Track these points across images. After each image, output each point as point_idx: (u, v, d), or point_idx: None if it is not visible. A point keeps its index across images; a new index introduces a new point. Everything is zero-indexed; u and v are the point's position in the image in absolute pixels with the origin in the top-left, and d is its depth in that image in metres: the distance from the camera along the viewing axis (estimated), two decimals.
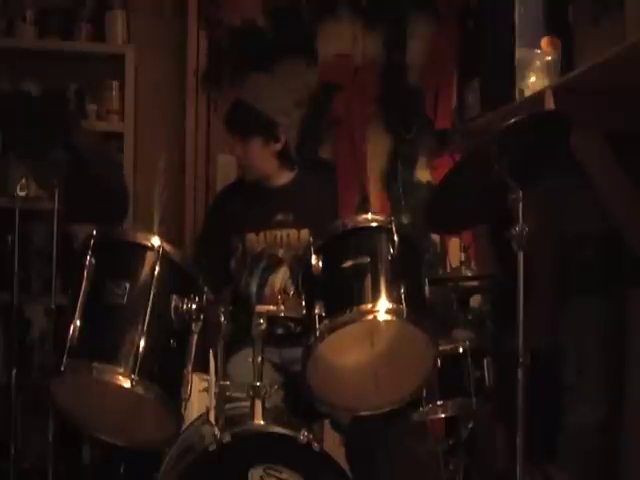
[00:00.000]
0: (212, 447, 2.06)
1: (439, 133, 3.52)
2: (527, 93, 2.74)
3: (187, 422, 2.25)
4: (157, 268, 2.10)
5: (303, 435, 2.09)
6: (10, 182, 3.09)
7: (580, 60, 2.55)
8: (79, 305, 2.05)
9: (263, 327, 2.18)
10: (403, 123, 3.52)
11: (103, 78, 3.51)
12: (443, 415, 2.56)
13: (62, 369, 2.01)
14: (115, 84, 3.49)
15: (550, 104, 2.51)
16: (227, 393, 2.19)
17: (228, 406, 2.22)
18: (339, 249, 2.16)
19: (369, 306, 2.07)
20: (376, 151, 3.53)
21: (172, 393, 2.09)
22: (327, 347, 2.09)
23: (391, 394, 2.22)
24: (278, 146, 2.89)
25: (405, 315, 2.08)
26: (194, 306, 2.13)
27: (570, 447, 2.92)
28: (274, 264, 2.90)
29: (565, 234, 3.05)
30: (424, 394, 2.41)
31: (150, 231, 2.24)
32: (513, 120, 2.14)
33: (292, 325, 2.51)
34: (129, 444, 2.23)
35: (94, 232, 2.14)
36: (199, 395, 2.28)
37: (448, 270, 3.30)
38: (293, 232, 2.89)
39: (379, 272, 2.12)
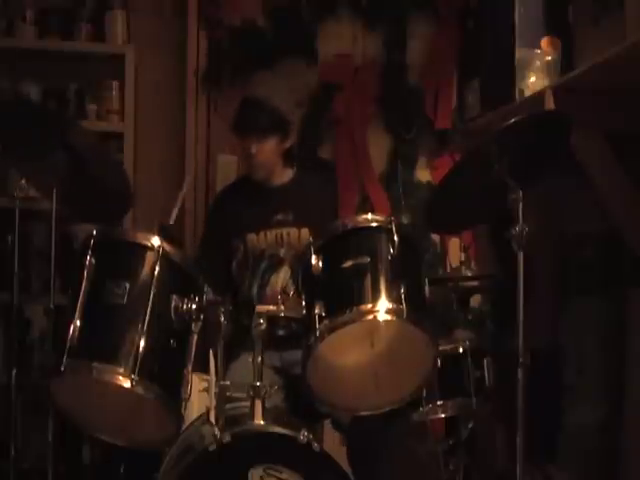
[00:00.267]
0: (212, 447, 2.06)
1: (439, 133, 3.51)
2: (527, 93, 2.74)
3: (187, 422, 2.25)
4: (157, 268, 2.10)
5: (303, 435, 2.09)
6: (10, 182, 3.09)
7: (580, 60, 2.55)
8: (79, 305, 2.05)
9: (263, 327, 2.18)
10: (403, 123, 3.51)
11: (103, 78, 3.51)
12: (443, 415, 2.56)
13: (62, 369, 2.01)
14: (115, 84, 3.49)
15: (550, 104, 2.51)
16: (227, 393, 2.20)
17: (228, 406, 2.22)
18: (339, 249, 2.16)
19: (369, 306, 2.07)
20: (376, 151, 3.53)
21: (172, 393, 2.09)
22: (327, 347, 2.09)
23: (391, 394, 2.22)
24: (287, 144, 2.90)
25: (405, 315, 2.08)
26: (194, 306, 2.13)
27: (570, 447, 2.92)
28: (275, 264, 2.90)
29: (565, 234, 3.05)
30: (424, 394, 2.41)
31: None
32: (513, 120, 2.14)
33: (293, 325, 2.51)
34: (129, 444, 2.23)
35: (94, 232, 2.14)
36: (199, 395, 2.28)
37: (448, 270, 3.29)
38: (293, 231, 2.89)
39: (379, 272, 2.12)
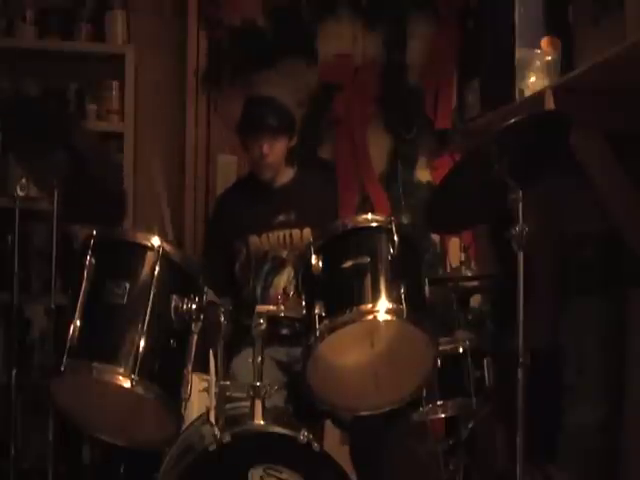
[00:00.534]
0: (212, 447, 2.06)
1: (439, 133, 3.52)
2: (527, 93, 2.74)
3: (187, 422, 2.25)
4: (157, 268, 2.10)
5: (303, 435, 2.09)
6: (10, 182, 3.10)
7: (580, 60, 2.55)
8: (79, 305, 2.05)
9: (263, 327, 2.18)
10: (403, 123, 3.52)
11: (103, 78, 3.51)
12: (443, 415, 2.56)
13: (62, 369, 2.01)
14: (115, 84, 3.49)
15: (550, 104, 2.51)
16: (227, 393, 2.20)
17: (228, 406, 2.23)
18: (339, 249, 2.16)
19: (369, 306, 2.07)
20: (376, 151, 3.53)
21: (172, 393, 2.09)
22: (327, 347, 2.09)
23: (391, 394, 2.22)
24: (292, 143, 2.91)
25: (405, 315, 2.08)
26: (194, 306, 2.13)
27: (570, 447, 2.92)
28: (278, 266, 2.90)
29: (565, 234, 3.05)
30: (424, 394, 2.41)
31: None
32: (513, 120, 2.14)
33: (297, 325, 2.51)
34: (129, 444, 2.23)
35: (94, 232, 2.14)
36: (199, 395, 2.28)
37: (448, 270, 3.29)
38: (296, 232, 2.89)
39: (379, 272, 2.12)
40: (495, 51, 2.99)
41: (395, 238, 2.14)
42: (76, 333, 2.03)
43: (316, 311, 2.09)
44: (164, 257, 2.13)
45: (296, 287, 2.25)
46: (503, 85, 2.85)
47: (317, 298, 2.11)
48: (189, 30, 3.51)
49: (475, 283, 2.83)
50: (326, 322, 2.07)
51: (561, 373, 2.97)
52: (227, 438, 2.06)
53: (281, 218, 2.90)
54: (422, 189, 3.53)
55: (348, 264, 2.13)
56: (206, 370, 2.17)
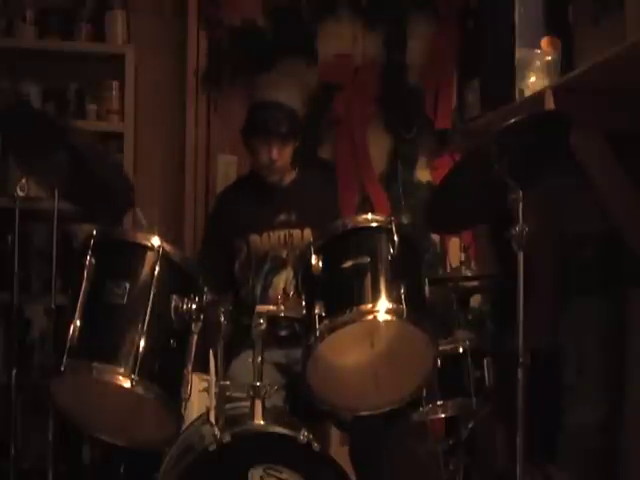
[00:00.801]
0: (212, 447, 2.06)
1: (439, 133, 3.51)
2: (527, 93, 2.74)
3: (187, 422, 2.25)
4: (157, 268, 2.10)
5: (303, 435, 2.09)
6: (10, 182, 3.10)
7: (580, 60, 2.55)
8: (79, 305, 2.05)
9: (263, 327, 2.18)
10: (403, 123, 3.52)
11: (103, 78, 3.51)
12: (443, 415, 2.56)
13: (62, 369, 2.01)
14: (115, 84, 3.49)
15: (550, 104, 2.51)
16: (227, 393, 2.19)
17: (228, 406, 2.22)
18: (339, 249, 2.16)
19: (369, 306, 2.07)
20: (376, 151, 3.53)
21: (172, 393, 2.09)
22: (327, 347, 2.09)
23: (391, 394, 2.22)
24: (296, 145, 2.90)
25: (405, 315, 2.08)
26: (194, 306, 2.13)
27: (570, 447, 2.92)
28: (278, 265, 2.89)
29: (565, 234, 3.05)
30: (424, 394, 2.41)
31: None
32: (513, 120, 2.14)
33: (296, 326, 2.50)
34: (129, 444, 2.23)
35: (94, 232, 2.14)
36: (199, 395, 2.28)
37: (448, 270, 3.29)
38: (296, 232, 2.89)
39: (379, 272, 2.12)
40: (495, 51, 2.99)
41: (395, 238, 2.14)
42: (76, 333, 2.03)
43: (316, 311, 2.09)
44: (164, 257, 2.13)
45: (296, 287, 2.25)
46: (503, 85, 2.85)
47: (317, 298, 2.11)
48: (189, 30, 3.51)
49: (475, 283, 2.83)
50: (326, 322, 2.07)
51: (561, 373, 2.97)
52: (227, 438, 2.06)
53: (282, 218, 2.90)
54: (422, 189, 3.52)
55: (348, 264, 2.13)
56: (206, 370, 2.17)
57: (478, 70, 3.20)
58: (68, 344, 2.01)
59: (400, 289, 2.10)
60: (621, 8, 2.30)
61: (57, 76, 3.49)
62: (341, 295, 2.11)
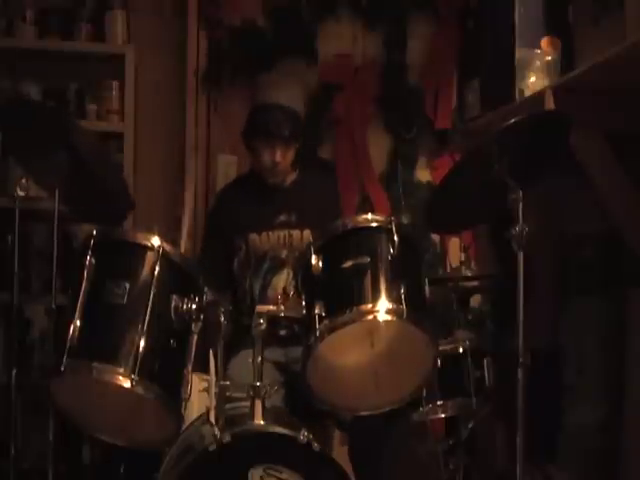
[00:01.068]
0: (212, 447, 2.06)
1: (439, 133, 3.51)
2: (527, 93, 2.74)
3: (187, 422, 2.25)
4: (157, 268, 2.10)
5: (303, 435, 2.09)
6: (10, 182, 3.10)
7: (580, 60, 2.55)
8: (79, 305, 2.05)
9: (263, 327, 2.18)
10: (403, 123, 3.52)
11: (103, 78, 3.51)
12: (443, 415, 2.56)
13: (62, 369, 2.01)
14: (115, 84, 3.49)
15: (550, 104, 2.51)
16: (227, 393, 2.20)
17: (228, 406, 2.22)
18: (339, 249, 2.16)
19: (369, 306, 2.07)
20: (376, 151, 3.53)
21: (172, 393, 2.09)
22: (327, 347, 2.09)
23: (391, 394, 2.22)
24: (298, 146, 2.90)
25: (405, 315, 2.08)
26: (194, 306, 2.13)
27: (570, 447, 2.92)
28: (277, 265, 2.89)
29: (565, 234, 3.05)
30: (424, 394, 2.41)
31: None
32: (513, 120, 2.14)
33: (296, 328, 2.51)
34: (129, 444, 2.23)
35: (94, 232, 2.14)
36: (199, 395, 2.28)
37: (448, 270, 3.29)
38: (296, 233, 2.89)
39: (379, 272, 2.12)
40: (495, 51, 2.99)
41: (395, 238, 2.14)
42: (76, 333, 2.03)
43: (316, 311, 2.09)
44: (164, 257, 2.13)
45: (296, 287, 2.25)
46: (503, 85, 2.85)
47: (317, 298, 2.11)
48: (189, 30, 3.51)
49: (475, 283, 2.83)
50: (326, 322, 2.07)
51: (561, 373, 2.97)
52: (227, 438, 2.06)
53: (282, 218, 2.90)
54: (422, 189, 3.52)
55: (348, 264, 2.13)
56: (206, 370, 2.17)
57: (478, 70, 3.20)
58: (68, 344, 2.01)
59: (400, 289, 2.10)
60: (621, 8, 2.30)
61: (57, 76, 3.48)
62: (341, 295, 2.11)
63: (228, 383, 2.20)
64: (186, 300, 2.12)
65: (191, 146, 3.51)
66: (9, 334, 3.28)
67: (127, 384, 2.01)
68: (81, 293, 2.06)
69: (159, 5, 3.59)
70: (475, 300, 3.16)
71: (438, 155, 3.52)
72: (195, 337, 2.15)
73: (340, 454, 2.58)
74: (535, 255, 2.30)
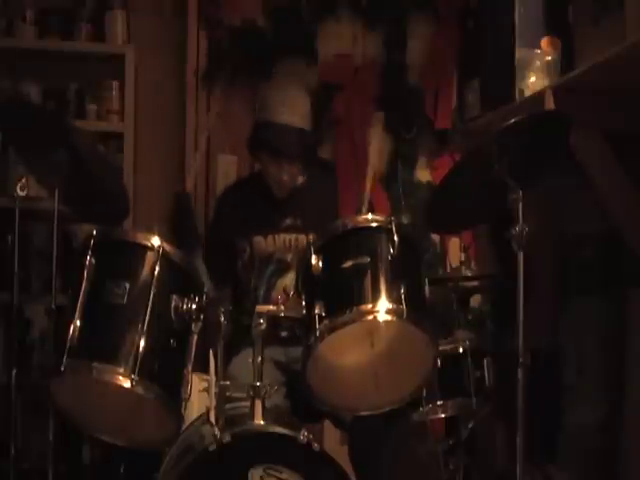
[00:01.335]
0: (212, 447, 2.06)
1: (439, 133, 3.52)
2: (527, 93, 2.74)
3: (187, 422, 2.25)
4: (157, 268, 2.10)
5: (303, 435, 2.09)
6: (10, 182, 3.10)
7: (580, 60, 2.55)
8: (79, 305, 2.05)
9: (263, 327, 2.18)
10: (403, 123, 3.52)
11: (103, 78, 3.51)
12: (443, 415, 2.56)
13: (62, 369, 2.01)
14: (115, 84, 3.49)
15: (550, 104, 2.51)
16: (227, 393, 2.19)
17: (228, 406, 2.22)
18: (339, 249, 2.16)
19: (369, 306, 2.07)
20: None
21: (172, 393, 2.09)
22: (327, 347, 2.09)
23: (391, 394, 2.22)
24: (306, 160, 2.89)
25: (405, 315, 2.08)
26: (194, 306, 2.13)
27: (570, 447, 2.92)
28: (283, 268, 2.89)
29: (565, 234, 3.05)
30: (424, 394, 2.41)
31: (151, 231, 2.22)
32: (513, 120, 2.14)
33: (297, 329, 2.50)
34: (129, 444, 2.23)
35: (94, 232, 2.14)
36: (199, 395, 2.28)
37: (448, 270, 3.29)
38: (302, 237, 2.86)
39: (379, 272, 2.12)
40: (495, 51, 2.99)
41: (395, 238, 2.13)
42: (76, 333, 2.03)
43: (316, 311, 2.09)
44: (164, 257, 2.13)
45: (296, 287, 2.25)
46: (503, 85, 2.85)
47: (317, 298, 2.11)
48: (189, 30, 3.51)
49: (475, 283, 2.83)
50: (326, 322, 2.07)
51: (561, 373, 2.97)
52: (227, 438, 2.06)
53: (288, 222, 2.89)
54: (422, 189, 3.53)
55: (348, 264, 2.12)
56: (206, 370, 2.17)
57: (478, 70, 3.20)
58: (68, 344, 2.01)
59: (400, 289, 2.09)
60: (621, 8, 2.30)
61: (57, 76, 3.49)
62: (341, 295, 2.11)
63: (228, 383, 2.20)
64: (186, 300, 2.12)
65: (191, 146, 3.51)
66: (9, 334, 3.28)
67: (127, 384, 2.01)
68: (81, 293, 2.06)
69: (159, 5, 3.59)
70: (475, 300, 3.16)
71: (438, 155, 3.53)
72: (195, 337, 2.15)
73: (340, 454, 2.58)
74: (535, 255, 2.30)
